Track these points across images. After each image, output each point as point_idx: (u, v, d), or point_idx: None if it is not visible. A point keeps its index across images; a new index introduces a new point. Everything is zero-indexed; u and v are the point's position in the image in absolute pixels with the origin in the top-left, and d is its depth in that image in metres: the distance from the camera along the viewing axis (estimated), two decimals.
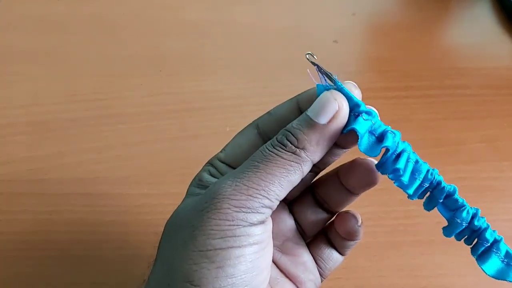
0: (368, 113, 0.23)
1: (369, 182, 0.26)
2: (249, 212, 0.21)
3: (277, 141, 0.23)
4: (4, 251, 0.36)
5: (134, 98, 0.44)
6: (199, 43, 0.49)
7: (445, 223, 0.24)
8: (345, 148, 0.26)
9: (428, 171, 0.23)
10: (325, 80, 0.24)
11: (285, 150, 0.22)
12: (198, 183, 0.25)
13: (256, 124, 0.26)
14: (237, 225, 0.21)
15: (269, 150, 0.23)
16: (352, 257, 0.37)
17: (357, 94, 0.24)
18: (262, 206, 0.22)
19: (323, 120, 0.22)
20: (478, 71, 0.48)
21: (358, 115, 0.23)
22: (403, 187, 0.23)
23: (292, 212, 0.28)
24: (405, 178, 0.23)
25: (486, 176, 0.41)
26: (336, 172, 0.27)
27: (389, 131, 0.23)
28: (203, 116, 0.43)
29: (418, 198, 0.24)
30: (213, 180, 0.25)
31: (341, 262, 0.29)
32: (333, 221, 0.28)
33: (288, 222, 0.28)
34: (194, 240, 0.21)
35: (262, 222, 0.22)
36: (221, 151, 0.26)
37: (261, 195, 0.22)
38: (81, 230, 0.37)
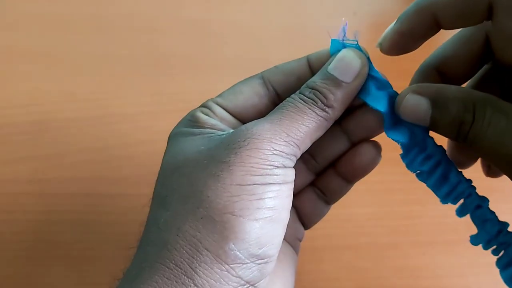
0: (383, 83, 0.24)
1: (373, 130, 0.27)
2: (286, 158, 0.22)
3: (307, 97, 0.23)
4: (4, 251, 0.36)
5: (134, 98, 0.44)
6: (199, 43, 0.49)
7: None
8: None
9: (460, 180, 0.24)
10: (344, 36, 0.24)
11: (317, 107, 0.23)
12: (193, 124, 0.25)
13: (261, 75, 0.26)
14: (276, 166, 0.22)
15: (302, 105, 0.23)
16: (352, 258, 0.37)
17: None
18: (294, 155, 0.23)
19: (348, 78, 0.23)
20: None
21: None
22: (433, 191, 0.24)
23: None
24: (430, 183, 0.23)
25: None
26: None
27: (429, 138, 0.24)
28: None
29: (451, 203, 0.24)
30: (213, 121, 0.25)
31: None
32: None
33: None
34: (231, 174, 0.21)
35: (292, 168, 0.23)
36: (217, 96, 0.26)
37: (296, 144, 0.23)
38: (81, 230, 0.37)
